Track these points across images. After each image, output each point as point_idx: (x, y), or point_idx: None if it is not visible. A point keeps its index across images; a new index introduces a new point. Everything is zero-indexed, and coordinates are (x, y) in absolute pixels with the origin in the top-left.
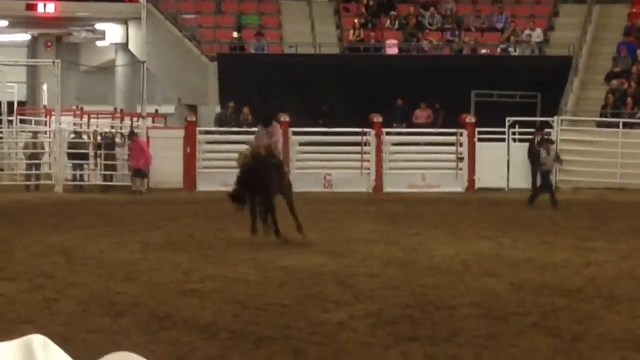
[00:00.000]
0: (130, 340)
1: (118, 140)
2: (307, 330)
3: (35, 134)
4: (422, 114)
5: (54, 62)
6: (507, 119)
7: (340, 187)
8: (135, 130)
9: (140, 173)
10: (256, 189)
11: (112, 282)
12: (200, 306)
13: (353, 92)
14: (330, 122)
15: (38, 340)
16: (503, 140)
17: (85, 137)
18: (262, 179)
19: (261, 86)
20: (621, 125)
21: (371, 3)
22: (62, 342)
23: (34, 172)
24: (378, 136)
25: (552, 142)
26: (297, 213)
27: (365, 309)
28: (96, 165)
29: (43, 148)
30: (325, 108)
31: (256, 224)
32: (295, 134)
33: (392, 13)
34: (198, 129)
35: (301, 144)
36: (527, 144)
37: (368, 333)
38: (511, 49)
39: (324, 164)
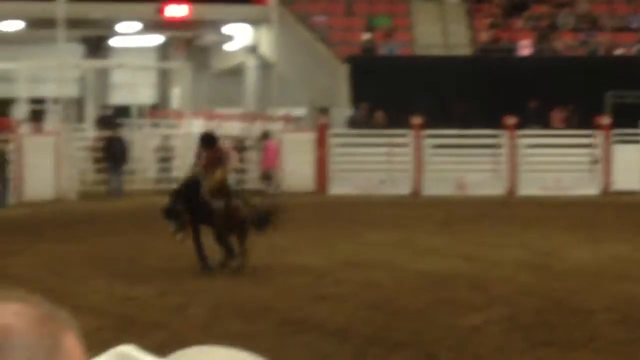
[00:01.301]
0: (262, 344)
1: (249, 143)
2: (440, 335)
3: (167, 137)
4: (558, 116)
5: (184, 65)
6: None
7: (473, 189)
8: (268, 134)
9: (268, 176)
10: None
11: (242, 286)
12: (332, 310)
13: (485, 93)
14: (462, 124)
15: (129, 349)
16: (639, 142)
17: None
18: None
19: (392, 88)
20: None
21: (504, 3)
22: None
23: (165, 175)
24: (511, 138)
25: None
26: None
27: (499, 313)
28: None
29: (174, 151)
30: (458, 110)
31: (203, 253)
32: (428, 136)
33: (525, 13)
34: (329, 131)
35: (434, 147)
36: None
37: (502, 337)
38: None
39: (457, 167)
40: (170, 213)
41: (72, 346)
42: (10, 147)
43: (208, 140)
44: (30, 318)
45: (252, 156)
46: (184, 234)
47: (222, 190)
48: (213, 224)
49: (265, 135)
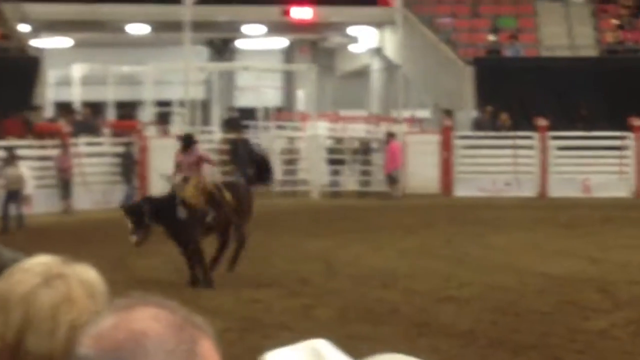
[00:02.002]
0: (389, 347)
1: (374, 145)
2: (567, 338)
3: (292, 139)
4: None
5: (309, 67)
6: None
7: (599, 191)
8: (392, 136)
9: (391, 178)
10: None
11: (369, 289)
12: (458, 313)
13: (611, 94)
14: (588, 125)
15: (322, 343)
16: None
17: (341, 142)
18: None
19: (518, 90)
20: None
21: (630, 4)
22: None
23: (290, 177)
24: (637, 140)
25: None
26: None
27: (626, 317)
28: (353, 171)
29: (299, 153)
30: (584, 111)
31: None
32: (553, 138)
33: None
34: (454, 133)
35: (559, 148)
36: None
37: (629, 341)
38: None
39: (582, 169)
40: (130, 211)
41: (208, 352)
42: (136, 148)
43: (186, 143)
44: (167, 323)
45: (377, 158)
46: (139, 238)
47: (209, 199)
48: (183, 242)
49: (390, 137)
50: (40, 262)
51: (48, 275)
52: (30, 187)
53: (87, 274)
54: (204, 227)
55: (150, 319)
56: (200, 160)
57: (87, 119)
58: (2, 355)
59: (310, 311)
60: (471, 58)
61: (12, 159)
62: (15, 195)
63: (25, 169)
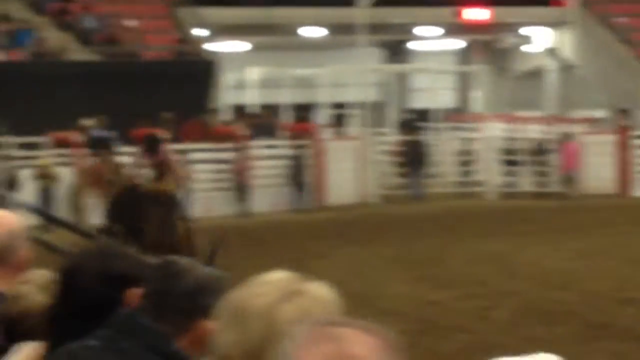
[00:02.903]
0: (565, 349)
1: (550, 146)
2: None
3: (466, 140)
4: None
5: (483, 68)
6: None
7: None
8: (569, 136)
9: (568, 178)
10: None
11: (546, 290)
12: (638, 315)
13: None
14: None
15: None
16: None
17: (516, 143)
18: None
19: None
20: None
21: None
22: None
23: (465, 178)
24: None
25: None
26: None
27: None
28: (529, 172)
29: (474, 154)
30: None
31: None
32: None
33: None
34: (631, 133)
35: None
36: None
37: None
38: None
39: None
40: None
41: None
42: (309, 151)
43: (150, 145)
44: (377, 348)
45: (553, 159)
46: None
47: None
48: None
49: (565, 138)
50: (279, 277)
51: (287, 290)
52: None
53: (323, 291)
54: None
55: (359, 343)
56: (164, 164)
57: (266, 121)
58: None
59: (487, 313)
60: None
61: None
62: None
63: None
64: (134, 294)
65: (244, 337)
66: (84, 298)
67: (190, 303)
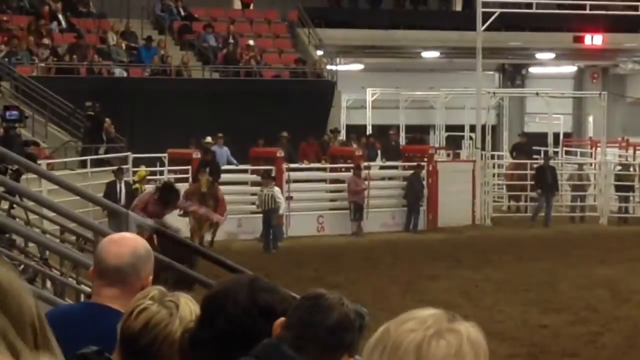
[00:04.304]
0: None
1: None
2: None
3: (581, 165)
4: None
5: (600, 94)
6: None
7: None
8: None
9: None
10: None
11: None
12: None
13: None
14: None
15: None
16: None
17: (631, 169)
18: None
19: None
20: None
21: None
22: None
23: (579, 203)
24: None
25: None
26: None
27: None
28: None
29: (588, 179)
30: None
31: None
32: None
33: None
34: None
35: None
36: None
37: None
38: None
39: None
40: None
41: None
42: (424, 173)
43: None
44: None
45: None
46: None
47: None
48: None
49: None
50: (432, 314)
51: (441, 327)
52: (283, 208)
53: (475, 332)
54: None
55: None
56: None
57: (391, 141)
58: None
59: (598, 338)
60: None
61: (268, 179)
62: (269, 215)
63: (278, 190)
64: (278, 324)
65: None
66: (229, 326)
67: (333, 338)
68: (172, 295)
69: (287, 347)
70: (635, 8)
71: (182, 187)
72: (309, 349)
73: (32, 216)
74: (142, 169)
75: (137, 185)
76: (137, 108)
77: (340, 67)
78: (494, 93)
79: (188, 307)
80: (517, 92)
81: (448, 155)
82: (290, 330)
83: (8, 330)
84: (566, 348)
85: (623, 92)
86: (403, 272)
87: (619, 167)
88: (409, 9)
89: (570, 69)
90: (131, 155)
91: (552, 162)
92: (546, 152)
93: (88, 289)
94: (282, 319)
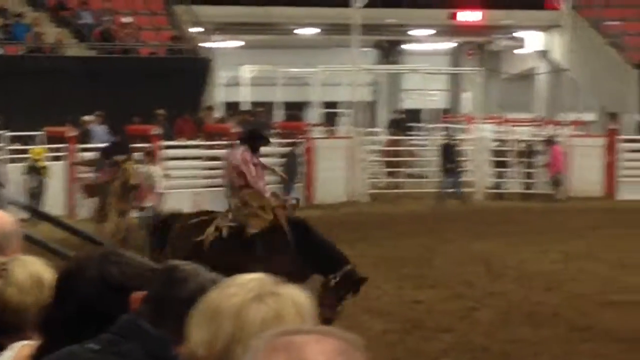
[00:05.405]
0: (550, 351)
1: (538, 148)
2: None
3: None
4: None
5: (476, 70)
6: None
7: None
8: (554, 139)
9: (556, 181)
10: None
11: (531, 292)
12: (620, 318)
13: None
14: None
15: None
16: None
17: (506, 144)
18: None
19: None
20: None
21: None
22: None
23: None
24: None
25: None
26: None
27: None
28: (518, 173)
29: (464, 155)
30: None
31: None
32: None
33: None
34: (619, 136)
35: None
36: None
37: None
38: None
39: None
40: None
41: None
42: (301, 149)
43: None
44: (334, 352)
45: (541, 161)
46: None
47: None
48: None
49: (550, 141)
50: (254, 278)
51: (261, 291)
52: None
53: (299, 295)
54: None
55: (313, 349)
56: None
57: (260, 119)
58: None
59: (472, 313)
60: (638, 61)
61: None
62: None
63: (158, 168)
64: (137, 298)
65: (214, 337)
66: (82, 303)
67: (190, 309)
68: (10, 260)
69: (145, 321)
70: None
71: (57, 166)
72: (167, 321)
73: None
74: (39, 147)
75: (39, 163)
76: (11, 86)
77: (218, 44)
78: (370, 70)
79: (26, 270)
80: (394, 69)
81: (325, 132)
82: (148, 304)
83: None
84: (440, 323)
85: (498, 68)
86: None
87: (495, 143)
88: None
89: (446, 45)
90: (7, 134)
91: (451, 140)
92: (405, 128)
93: None
94: (141, 292)
